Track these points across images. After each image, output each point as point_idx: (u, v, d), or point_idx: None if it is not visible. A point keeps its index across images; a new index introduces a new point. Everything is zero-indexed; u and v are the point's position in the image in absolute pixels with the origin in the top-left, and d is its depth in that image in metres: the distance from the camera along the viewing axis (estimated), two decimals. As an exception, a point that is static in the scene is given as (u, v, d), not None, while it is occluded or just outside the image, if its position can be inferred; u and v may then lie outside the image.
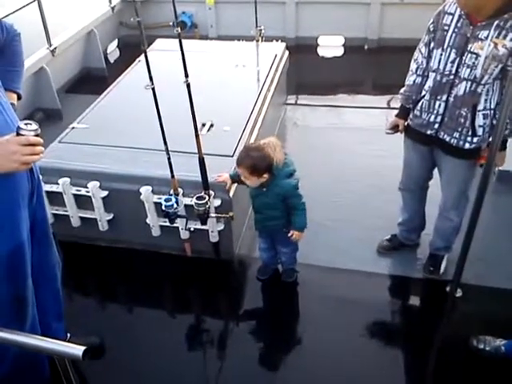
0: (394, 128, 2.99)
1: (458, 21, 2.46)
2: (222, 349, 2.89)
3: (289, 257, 3.14)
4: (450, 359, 2.60)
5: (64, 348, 1.51)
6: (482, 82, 2.47)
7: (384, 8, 6.36)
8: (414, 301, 3.27)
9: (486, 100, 2.53)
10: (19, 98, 2.35)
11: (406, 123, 2.93)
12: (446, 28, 2.50)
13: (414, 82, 2.77)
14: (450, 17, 2.49)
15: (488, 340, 2.67)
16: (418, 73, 2.74)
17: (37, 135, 1.75)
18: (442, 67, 2.56)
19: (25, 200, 2.01)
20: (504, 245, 3.37)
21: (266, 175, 2.68)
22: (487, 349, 2.65)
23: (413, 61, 2.78)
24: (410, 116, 2.86)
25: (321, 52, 6.68)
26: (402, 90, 2.88)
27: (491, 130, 2.59)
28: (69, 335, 2.65)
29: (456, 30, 2.47)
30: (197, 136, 2.82)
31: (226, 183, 3.00)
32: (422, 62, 2.71)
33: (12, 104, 2.18)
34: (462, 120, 2.60)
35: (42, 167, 3.12)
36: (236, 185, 3.10)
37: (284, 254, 3.12)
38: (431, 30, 2.60)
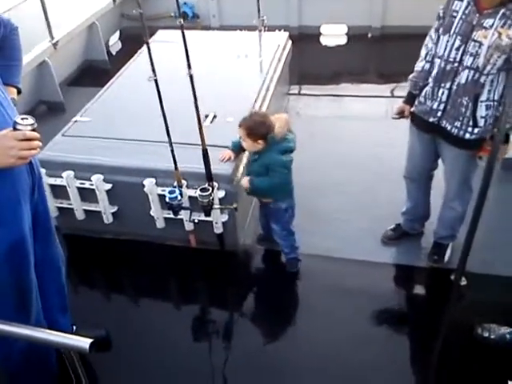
0: (400, 113, 2.99)
1: (466, 7, 2.44)
2: (227, 339, 2.90)
3: (284, 240, 3.14)
4: (455, 348, 2.60)
5: (70, 341, 1.51)
6: (485, 71, 2.44)
7: None
8: (419, 290, 3.28)
9: (489, 91, 2.50)
10: (19, 92, 2.34)
11: (411, 109, 2.92)
12: (455, 14, 2.48)
13: (423, 68, 2.75)
14: (460, 3, 2.47)
15: (493, 328, 2.68)
16: (427, 59, 2.71)
17: (33, 130, 1.75)
18: (446, 54, 2.54)
19: (26, 194, 2.02)
20: (509, 232, 3.36)
21: (260, 141, 2.75)
22: (492, 337, 2.65)
23: (423, 46, 2.77)
24: (416, 102, 2.84)
25: (324, 41, 6.63)
26: (410, 76, 2.86)
27: (494, 122, 2.56)
28: (74, 328, 2.67)
29: (463, 16, 2.44)
30: (200, 128, 2.82)
31: (230, 158, 3.06)
32: (431, 48, 2.68)
33: (12, 99, 2.18)
34: (463, 109, 2.58)
35: (46, 160, 3.17)
36: (241, 175, 3.11)
37: (276, 233, 3.12)
38: (441, 15, 2.58)
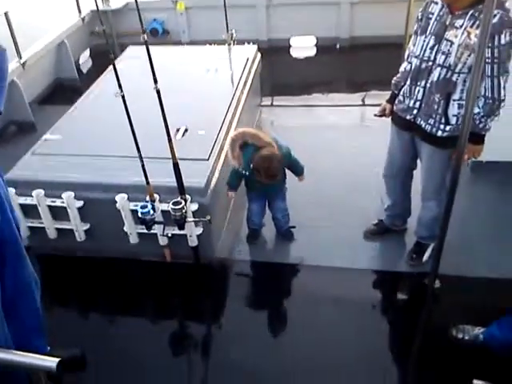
0: (382, 111, 3.08)
1: (440, 9, 2.56)
2: (206, 354, 2.87)
3: (283, 212, 3.43)
4: (431, 351, 2.62)
5: (36, 361, 1.44)
6: (456, 70, 2.52)
7: (354, 7, 6.43)
8: (396, 294, 3.29)
9: (462, 90, 2.57)
10: None
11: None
12: (431, 16, 2.60)
13: (405, 68, 2.84)
14: (435, 6, 2.59)
15: (467, 329, 2.70)
16: (409, 60, 2.80)
17: None
18: (421, 53, 2.63)
19: None
20: (480, 234, 3.42)
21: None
22: (466, 338, 2.68)
23: (407, 48, 2.87)
24: (396, 101, 2.92)
25: (294, 53, 6.72)
26: (394, 77, 2.96)
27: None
28: (48, 348, 2.61)
29: (438, 17, 2.56)
30: (169, 141, 2.81)
31: (232, 196, 3.33)
32: (412, 49, 2.77)
33: None
34: (436, 106, 2.65)
35: (15, 180, 3.13)
36: (213, 187, 3.13)
37: (280, 211, 3.42)
38: (419, 17, 2.70)
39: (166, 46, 5.47)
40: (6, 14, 5.06)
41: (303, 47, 6.74)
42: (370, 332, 2.88)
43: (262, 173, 3.02)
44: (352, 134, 4.71)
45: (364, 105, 5.34)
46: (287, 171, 3.32)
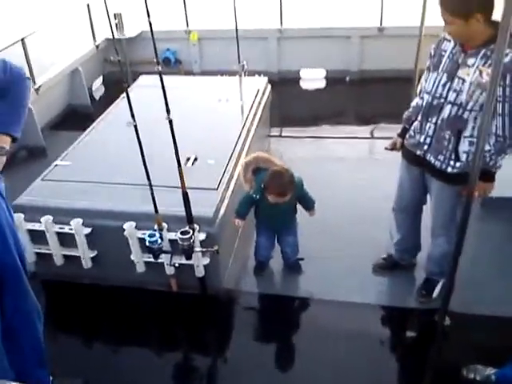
0: (393, 145, 3.09)
1: (453, 47, 2.57)
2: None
3: (293, 246, 3.41)
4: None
5: None
6: (468, 107, 2.52)
7: (364, 40, 6.52)
8: (405, 331, 3.23)
9: (473, 127, 2.57)
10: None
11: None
12: (443, 53, 2.62)
13: (417, 103, 2.86)
14: (448, 43, 2.61)
15: (478, 369, 2.64)
16: (421, 96, 2.82)
17: None
18: (434, 90, 2.64)
19: None
20: (490, 271, 3.37)
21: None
22: (477, 378, 2.62)
23: (419, 84, 2.89)
24: (406, 136, 2.93)
25: (303, 85, 6.79)
26: (406, 112, 2.98)
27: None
28: (51, 378, 2.57)
29: (451, 55, 2.58)
30: (180, 170, 2.82)
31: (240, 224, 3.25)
32: (424, 85, 2.79)
33: (2, 147, 2.15)
34: (446, 143, 2.65)
35: (24, 205, 3.14)
36: (222, 217, 3.12)
37: (288, 244, 3.39)
38: (432, 54, 2.72)
39: (178, 75, 5.55)
40: (22, 40, 5.17)
41: (313, 79, 6.82)
42: (378, 368, 2.82)
43: (272, 188, 2.99)
44: (361, 166, 4.71)
45: (373, 137, 5.37)
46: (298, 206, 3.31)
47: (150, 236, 2.82)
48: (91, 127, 4.12)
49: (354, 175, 4.53)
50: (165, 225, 2.94)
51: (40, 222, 3.11)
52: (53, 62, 6.04)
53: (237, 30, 4.64)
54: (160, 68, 2.53)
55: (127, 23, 6.78)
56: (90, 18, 6.56)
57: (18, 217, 3.04)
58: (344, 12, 7.83)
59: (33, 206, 3.15)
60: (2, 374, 2.11)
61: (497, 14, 2.34)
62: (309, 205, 3.32)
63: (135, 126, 2.60)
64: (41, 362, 2.46)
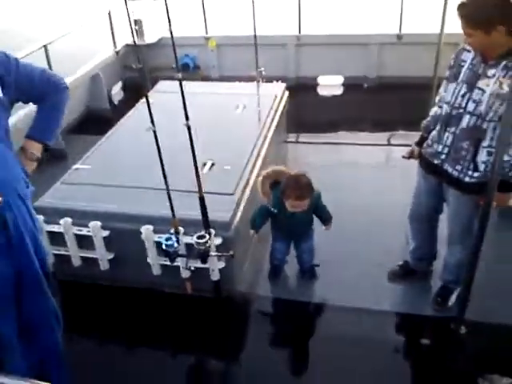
0: (410, 154, 3.10)
1: (473, 58, 2.57)
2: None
3: (309, 252, 3.43)
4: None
5: None
6: (487, 118, 2.52)
7: (382, 48, 6.51)
8: (420, 338, 3.21)
9: (491, 138, 2.56)
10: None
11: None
12: (463, 64, 2.61)
13: (435, 113, 2.87)
14: (468, 54, 2.61)
15: (494, 379, 2.62)
16: (439, 105, 2.82)
17: None
18: (453, 100, 2.64)
19: None
20: (506, 280, 3.34)
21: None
22: (494, 388, 2.60)
23: (438, 93, 2.90)
24: (424, 145, 2.93)
25: (321, 91, 6.80)
26: (424, 120, 2.99)
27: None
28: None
29: (470, 66, 2.57)
30: (197, 175, 2.85)
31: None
32: (442, 95, 2.79)
33: (31, 153, 2.19)
34: (464, 153, 2.64)
35: (44, 207, 3.20)
36: (238, 221, 3.14)
37: (304, 250, 3.41)
38: (451, 64, 2.72)
39: (197, 81, 5.61)
40: (45, 46, 5.27)
41: (330, 85, 6.83)
42: (392, 376, 2.81)
43: (290, 191, 2.99)
44: (378, 173, 4.71)
45: (390, 144, 5.35)
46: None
47: (167, 239, 2.85)
48: (111, 131, 4.18)
49: (370, 182, 4.52)
50: (181, 229, 2.97)
51: (59, 224, 3.17)
52: (74, 68, 6.14)
53: (255, 36, 4.67)
54: (180, 76, 2.56)
55: (146, 29, 6.89)
56: (111, 25, 6.66)
57: (38, 219, 3.09)
58: (363, 19, 7.85)
59: (52, 208, 3.21)
60: (13, 368, 2.15)
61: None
62: (325, 216, 3.32)
63: (154, 132, 2.64)
64: (59, 363, 2.50)
